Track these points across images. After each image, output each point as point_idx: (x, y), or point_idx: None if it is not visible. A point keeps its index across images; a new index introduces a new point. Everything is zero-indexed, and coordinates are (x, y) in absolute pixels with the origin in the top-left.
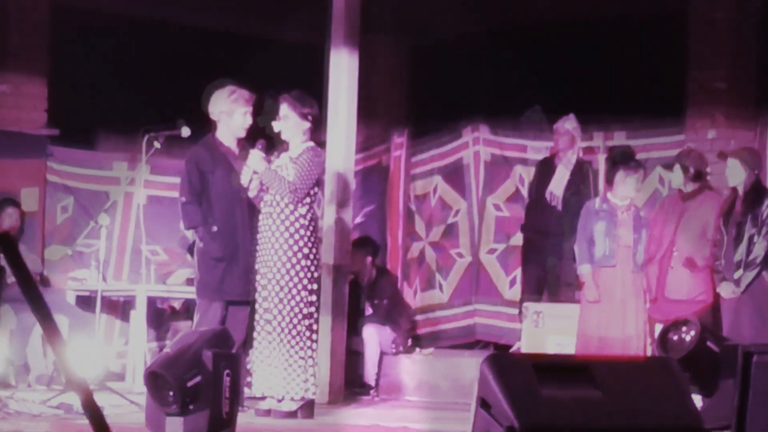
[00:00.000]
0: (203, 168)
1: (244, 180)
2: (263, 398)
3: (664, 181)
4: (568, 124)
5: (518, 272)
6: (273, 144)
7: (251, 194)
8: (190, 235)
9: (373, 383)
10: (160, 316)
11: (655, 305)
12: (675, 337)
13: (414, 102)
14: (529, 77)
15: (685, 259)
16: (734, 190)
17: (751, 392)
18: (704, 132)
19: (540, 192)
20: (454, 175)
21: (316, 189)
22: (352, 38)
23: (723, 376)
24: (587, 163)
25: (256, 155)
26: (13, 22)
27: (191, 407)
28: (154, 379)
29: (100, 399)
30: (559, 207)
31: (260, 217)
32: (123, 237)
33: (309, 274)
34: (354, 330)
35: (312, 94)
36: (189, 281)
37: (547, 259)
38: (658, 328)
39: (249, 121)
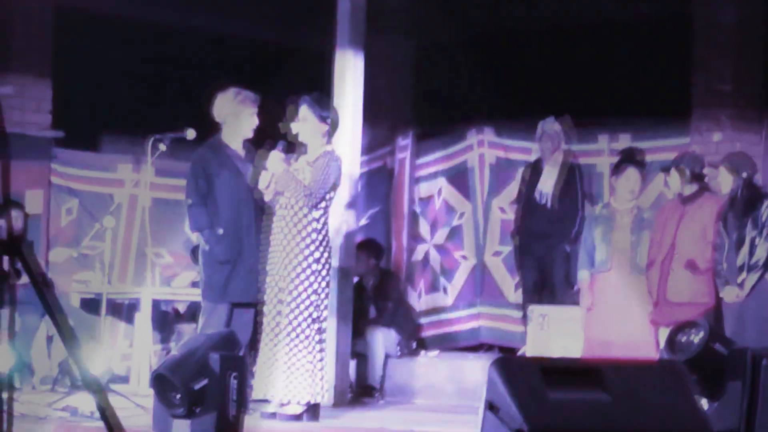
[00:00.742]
0: (209, 170)
1: (261, 184)
2: (268, 401)
3: (670, 184)
4: (554, 126)
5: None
6: (293, 147)
7: (267, 198)
8: (194, 237)
9: (377, 386)
10: (165, 319)
11: (656, 309)
12: (683, 339)
13: (419, 104)
14: (534, 80)
15: (686, 261)
16: (731, 195)
17: (760, 396)
18: (709, 134)
19: (529, 195)
20: (459, 178)
21: (332, 194)
22: (358, 40)
23: (730, 379)
24: (575, 163)
25: (275, 156)
26: (18, 24)
27: (198, 410)
28: (161, 381)
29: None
30: (549, 205)
31: (273, 219)
32: (128, 239)
33: (319, 279)
34: (359, 333)
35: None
36: (194, 284)
37: (541, 261)
38: (662, 331)
39: (255, 122)
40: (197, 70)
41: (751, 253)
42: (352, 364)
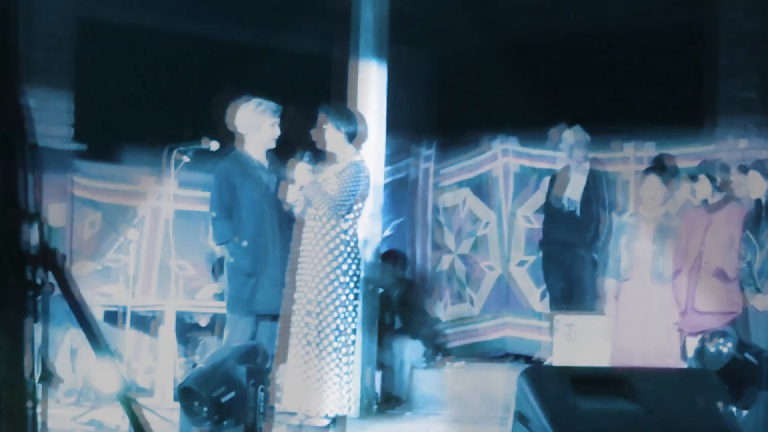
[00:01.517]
0: (233, 182)
1: (290, 198)
2: (295, 413)
3: (696, 192)
4: (579, 134)
5: None
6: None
7: (297, 210)
8: (218, 250)
9: (403, 397)
10: (189, 331)
11: (685, 318)
12: (712, 349)
13: (442, 114)
14: (558, 88)
15: (714, 270)
16: (758, 201)
17: None
18: (735, 142)
19: (556, 204)
20: (483, 187)
21: (360, 205)
22: (381, 51)
23: (760, 387)
24: (601, 171)
25: (302, 168)
26: (39, 38)
27: (225, 423)
28: (188, 394)
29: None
30: (578, 212)
31: (303, 230)
32: (151, 252)
33: (347, 291)
34: (384, 344)
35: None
36: (217, 296)
37: (568, 270)
38: (689, 340)
39: (277, 132)
40: (220, 80)
41: None
42: (378, 376)
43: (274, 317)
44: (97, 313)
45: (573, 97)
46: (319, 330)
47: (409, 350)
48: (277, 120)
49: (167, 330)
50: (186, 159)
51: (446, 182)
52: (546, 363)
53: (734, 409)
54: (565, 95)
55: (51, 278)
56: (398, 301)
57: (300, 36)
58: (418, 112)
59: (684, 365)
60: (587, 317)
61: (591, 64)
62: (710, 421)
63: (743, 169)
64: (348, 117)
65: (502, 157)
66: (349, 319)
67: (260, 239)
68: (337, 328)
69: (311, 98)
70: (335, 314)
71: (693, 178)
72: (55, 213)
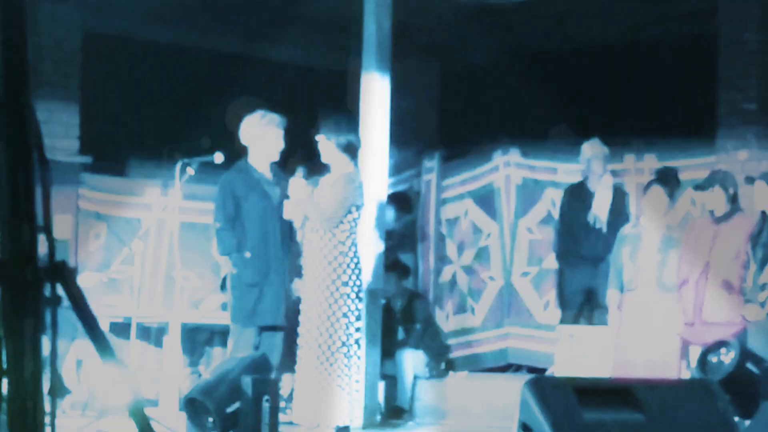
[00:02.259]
0: (237, 193)
1: (287, 214)
2: (299, 424)
3: (696, 203)
4: (597, 147)
5: (552, 295)
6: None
7: (297, 225)
8: (222, 261)
9: (407, 407)
10: (194, 342)
11: (691, 329)
12: (714, 360)
13: (444, 126)
14: (559, 100)
15: (721, 281)
16: (763, 213)
17: None
18: (735, 153)
19: (575, 217)
20: (486, 199)
21: (356, 214)
22: (384, 63)
23: (763, 397)
24: (621, 186)
25: (298, 183)
26: (46, 51)
27: None
28: (194, 405)
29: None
30: (605, 229)
31: (304, 242)
32: (156, 263)
33: (349, 302)
34: (387, 354)
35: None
36: (222, 306)
37: (590, 284)
38: (694, 350)
39: (281, 144)
40: (225, 93)
41: None
42: (382, 386)
43: (278, 328)
44: (103, 325)
45: (575, 109)
46: (321, 341)
47: (413, 361)
48: (281, 132)
49: (172, 341)
50: (191, 171)
51: (449, 194)
52: (547, 373)
53: (737, 419)
54: (567, 107)
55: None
56: (401, 312)
57: (303, 48)
58: (422, 124)
59: (687, 375)
60: (589, 328)
61: (592, 76)
62: (713, 430)
63: (749, 180)
64: (341, 127)
65: (504, 168)
66: (352, 330)
67: (263, 250)
68: (339, 338)
69: (314, 111)
70: (337, 325)
71: (701, 188)
72: (60, 225)
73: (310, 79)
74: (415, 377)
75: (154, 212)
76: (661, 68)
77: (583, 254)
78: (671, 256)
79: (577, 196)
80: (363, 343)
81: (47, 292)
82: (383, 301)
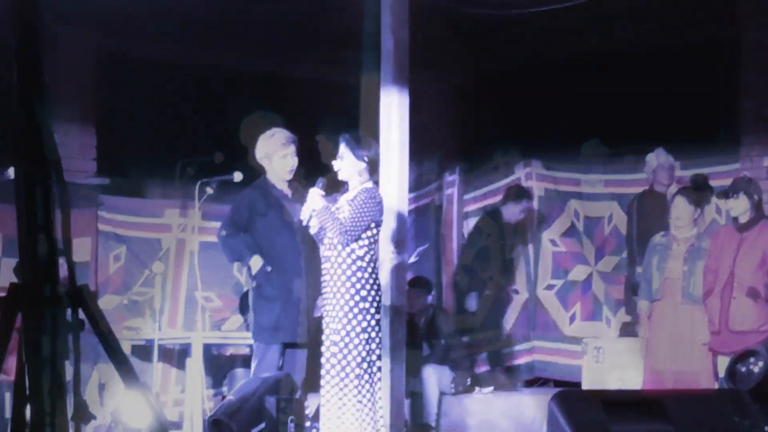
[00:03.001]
0: (256, 211)
1: (304, 216)
2: None
3: (721, 211)
4: (663, 157)
5: (578, 308)
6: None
7: (312, 231)
8: (243, 280)
9: (433, 424)
10: (217, 363)
11: (718, 338)
12: (743, 369)
13: (464, 139)
14: (580, 110)
15: (747, 289)
16: None
17: None
18: (759, 160)
19: (648, 226)
20: None
21: (375, 231)
22: (402, 77)
23: None
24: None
25: (314, 193)
26: (62, 72)
27: None
28: (218, 427)
29: None
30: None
31: (322, 259)
32: (177, 284)
33: (368, 317)
34: (412, 371)
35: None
36: (244, 327)
37: None
38: (722, 360)
39: (290, 162)
40: (244, 111)
41: None
42: (407, 403)
43: (301, 346)
44: (125, 347)
45: (596, 119)
46: (340, 358)
47: (438, 377)
48: (290, 150)
49: (195, 362)
50: (210, 190)
51: (471, 207)
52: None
53: (767, 428)
54: (588, 116)
55: (81, 314)
56: (426, 328)
57: (321, 64)
58: (442, 137)
59: (716, 385)
60: (616, 339)
61: (613, 84)
62: None
63: None
64: (366, 143)
65: (526, 180)
66: (373, 346)
67: (284, 267)
68: (359, 354)
69: (332, 126)
70: (356, 341)
71: (725, 195)
72: (80, 248)
73: (329, 95)
74: (441, 393)
75: (174, 233)
76: (684, 76)
77: None
78: (698, 266)
79: (648, 205)
80: (387, 359)
81: (68, 316)
82: (407, 318)
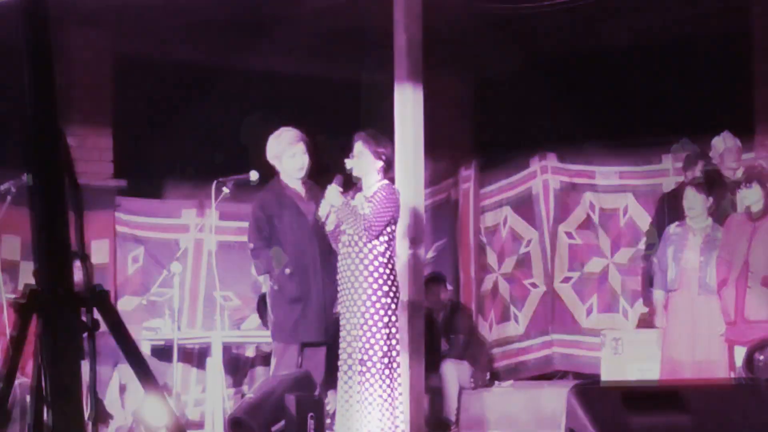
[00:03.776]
0: (271, 212)
1: (322, 213)
2: None
3: (745, 199)
4: (730, 140)
5: (594, 300)
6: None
7: (328, 228)
8: (261, 279)
9: (453, 419)
10: (236, 362)
11: (734, 328)
12: (761, 358)
13: (479, 134)
14: (594, 102)
15: (762, 278)
16: None
17: None
18: None
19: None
20: (524, 206)
21: (393, 227)
22: (416, 74)
23: None
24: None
25: (333, 190)
26: (78, 75)
27: None
28: (238, 426)
29: None
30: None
31: (339, 257)
32: (195, 284)
33: (389, 312)
34: (431, 367)
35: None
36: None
37: None
38: (739, 350)
39: (300, 161)
40: (258, 111)
41: None
42: (426, 399)
43: (321, 344)
44: (145, 348)
45: (611, 111)
46: (362, 353)
47: (457, 372)
48: (299, 149)
49: (214, 362)
50: (226, 190)
51: (487, 202)
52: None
53: None
54: (603, 109)
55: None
56: (444, 324)
57: (335, 63)
58: (457, 133)
59: (733, 375)
60: (634, 331)
61: (627, 77)
62: (762, 431)
63: None
64: (384, 140)
65: (542, 174)
66: (393, 341)
67: (302, 267)
68: (380, 349)
69: (348, 125)
70: (378, 336)
71: (737, 184)
72: (98, 250)
73: (343, 93)
74: (461, 389)
75: (191, 233)
76: (697, 67)
77: None
78: (714, 256)
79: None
80: (406, 355)
81: (85, 318)
82: (425, 314)
